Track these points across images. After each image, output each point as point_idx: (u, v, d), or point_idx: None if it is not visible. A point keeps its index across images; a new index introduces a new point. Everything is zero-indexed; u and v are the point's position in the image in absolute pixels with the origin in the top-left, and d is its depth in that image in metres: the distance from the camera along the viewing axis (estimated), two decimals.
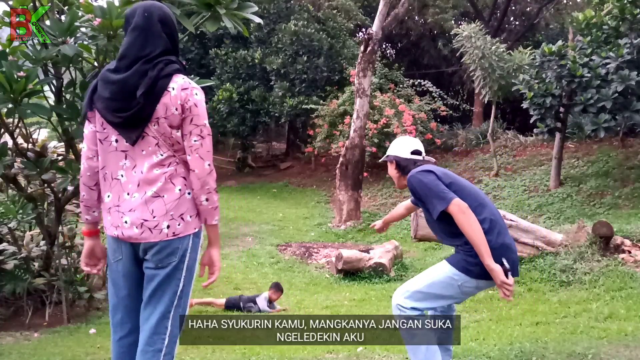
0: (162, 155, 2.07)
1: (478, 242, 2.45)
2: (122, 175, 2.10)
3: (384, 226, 3.39)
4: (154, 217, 2.06)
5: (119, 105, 2.04)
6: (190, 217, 2.11)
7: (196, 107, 2.07)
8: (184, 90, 2.05)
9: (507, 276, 2.46)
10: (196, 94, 2.09)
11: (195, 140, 2.07)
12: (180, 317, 2.16)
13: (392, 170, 2.96)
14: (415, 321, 2.57)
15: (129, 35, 2.09)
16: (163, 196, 2.07)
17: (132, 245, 2.13)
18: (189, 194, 2.11)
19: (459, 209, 2.48)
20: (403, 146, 2.92)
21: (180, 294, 2.14)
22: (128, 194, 2.09)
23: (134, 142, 2.07)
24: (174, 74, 2.07)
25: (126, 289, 2.19)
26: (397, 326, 2.61)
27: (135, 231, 2.07)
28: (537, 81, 8.98)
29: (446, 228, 2.62)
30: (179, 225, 2.09)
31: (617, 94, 7.83)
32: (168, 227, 2.07)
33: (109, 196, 2.14)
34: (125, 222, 2.08)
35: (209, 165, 2.09)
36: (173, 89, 2.05)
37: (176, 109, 2.05)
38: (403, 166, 2.86)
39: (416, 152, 2.88)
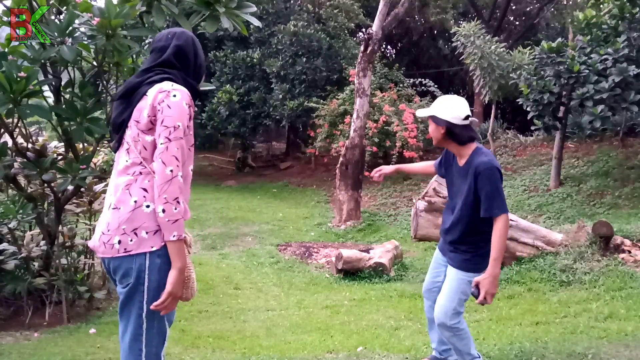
0: (127, 161, 1.98)
1: (500, 253, 2.62)
2: (110, 185, 2.08)
3: (391, 173, 3.17)
4: (108, 230, 1.94)
5: (111, 113, 2.10)
6: (147, 233, 1.91)
7: (169, 108, 1.91)
8: (161, 93, 1.94)
9: None
10: (174, 95, 1.94)
11: (161, 143, 1.89)
12: (159, 336, 2.01)
13: (437, 132, 2.77)
14: (462, 331, 2.87)
15: (150, 53, 2.15)
16: (119, 208, 1.94)
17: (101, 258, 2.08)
18: (147, 207, 1.92)
19: (506, 221, 2.62)
20: (456, 111, 2.70)
21: (149, 316, 1.95)
22: (106, 204, 2.05)
23: (116, 149, 2.05)
24: (160, 81, 1.99)
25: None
26: (450, 341, 2.90)
27: (97, 244, 2.00)
28: (535, 77, 8.98)
29: (472, 224, 2.73)
30: (131, 241, 1.91)
31: (614, 86, 7.82)
32: (119, 242, 1.91)
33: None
34: (96, 232, 2.04)
35: (171, 171, 1.87)
36: (150, 92, 1.97)
37: (146, 111, 1.95)
38: (455, 133, 2.71)
39: (467, 117, 2.71)
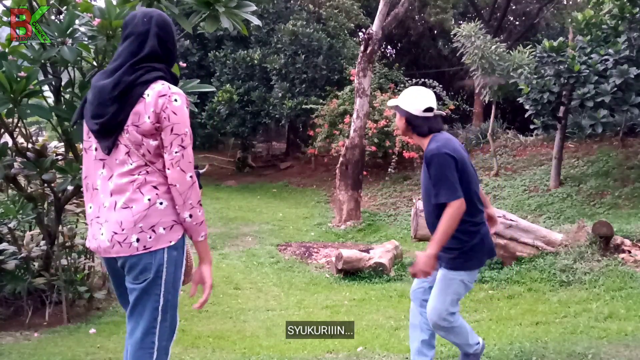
0: (131, 164, 1.98)
1: (444, 237, 2.60)
2: (99, 185, 2.04)
3: None
4: (122, 229, 1.96)
5: (96, 111, 2.00)
6: (164, 229, 1.98)
7: (175, 114, 1.95)
8: (161, 97, 1.94)
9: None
10: (175, 100, 1.96)
11: (176, 152, 1.95)
12: (170, 329, 2.07)
13: (400, 122, 2.86)
14: (456, 327, 2.83)
15: (125, 40, 2.05)
16: (131, 207, 1.96)
17: (108, 259, 2.07)
18: (161, 204, 1.98)
19: (458, 207, 2.59)
20: (416, 102, 2.77)
21: (164, 308, 2.02)
22: (104, 204, 2.02)
23: (109, 151, 2.00)
24: (153, 81, 1.98)
25: (124, 300, 2.15)
26: (447, 338, 2.91)
27: (107, 244, 1.99)
28: (535, 76, 8.98)
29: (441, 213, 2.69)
30: (150, 238, 1.96)
31: (615, 88, 7.82)
32: (138, 240, 1.95)
33: (90, 207, 2.09)
34: (102, 234, 2.01)
35: (190, 177, 1.96)
36: (148, 95, 1.95)
37: (148, 117, 1.94)
38: (414, 125, 2.78)
39: (428, 110, 2.77)
